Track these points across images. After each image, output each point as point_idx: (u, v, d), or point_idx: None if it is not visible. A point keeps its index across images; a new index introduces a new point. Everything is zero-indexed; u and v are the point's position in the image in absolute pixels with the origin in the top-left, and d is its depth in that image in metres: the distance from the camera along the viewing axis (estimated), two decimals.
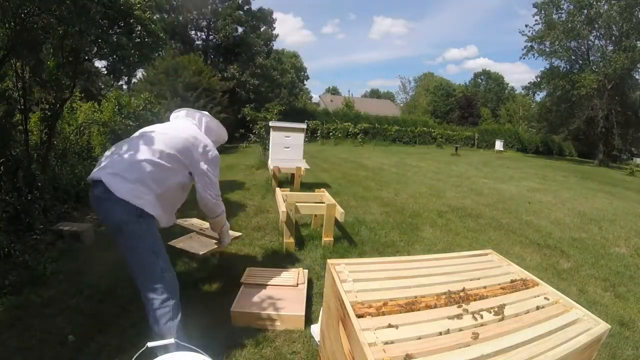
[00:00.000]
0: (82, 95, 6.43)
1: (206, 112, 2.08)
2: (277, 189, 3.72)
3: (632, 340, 2.16)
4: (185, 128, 1.88)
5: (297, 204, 3.14)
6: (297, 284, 2.38)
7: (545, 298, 1.36)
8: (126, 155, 1.65)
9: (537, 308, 1.29)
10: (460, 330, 1.11)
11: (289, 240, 3.14)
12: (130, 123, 5.84)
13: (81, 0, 3.17)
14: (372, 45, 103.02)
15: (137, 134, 1.83)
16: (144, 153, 1.64)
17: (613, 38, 18.05)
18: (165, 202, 1.69)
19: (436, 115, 35.95)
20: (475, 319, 1.17)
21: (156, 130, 1.81)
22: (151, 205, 1.59)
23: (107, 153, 1.73)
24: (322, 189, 3.90)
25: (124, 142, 1.74)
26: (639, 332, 2.28)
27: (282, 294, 2.27)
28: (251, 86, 19.50)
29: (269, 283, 2.38)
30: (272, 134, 5.88)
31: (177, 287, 1.66)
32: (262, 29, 21.92)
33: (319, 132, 18.48)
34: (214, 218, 2.04)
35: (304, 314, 2.06)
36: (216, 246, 2.49)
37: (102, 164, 1.63)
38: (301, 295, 2.27)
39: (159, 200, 1.64)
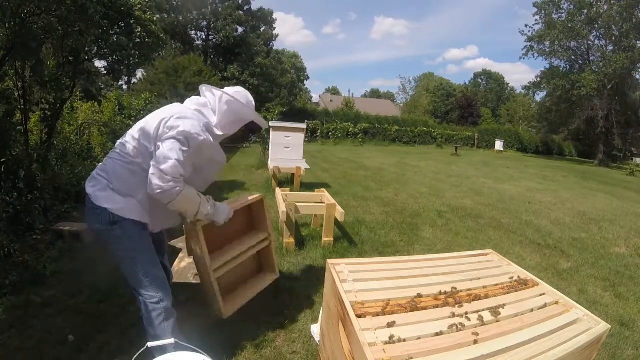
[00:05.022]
0: (82, 95, 6.43)
1: (232, 89, 1.71)
2: (277, 189, 3.72)
3: (632, 340, 2.17)
4: (164, 110, 1.57)
5: (297, 204, 3.14)
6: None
7: (545, 298, 1.36)
8: (107, 159, 1.56)
9: (537, 308, 1.29)
10: (460, 330, 1.11)
11: (289, 240, 3.14)
12: (131, 123, 5.84)
13: None
14: (373, 46, 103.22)
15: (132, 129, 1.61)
16: (121, 155, 1.52)
17: (613, 38, 18.05)
18: (153, 205, 1.55)
19: (436, 115, 35.92)
20: (476, 318, 1.17)
21: (144, 120, 1.58)
22: (129, 210, 1.50)
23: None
24: (322, 189, 3.90)
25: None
26: (639, 332, 2.28)
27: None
28: (251, 86, 19.54)
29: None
30: (272, 134, 5.89)
31: (167, 287, 1.62)
32: (262, 29, 21.98)
33: (319, 132, 18.47)
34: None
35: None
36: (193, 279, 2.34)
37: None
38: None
39: (142, 205, 1.54)
